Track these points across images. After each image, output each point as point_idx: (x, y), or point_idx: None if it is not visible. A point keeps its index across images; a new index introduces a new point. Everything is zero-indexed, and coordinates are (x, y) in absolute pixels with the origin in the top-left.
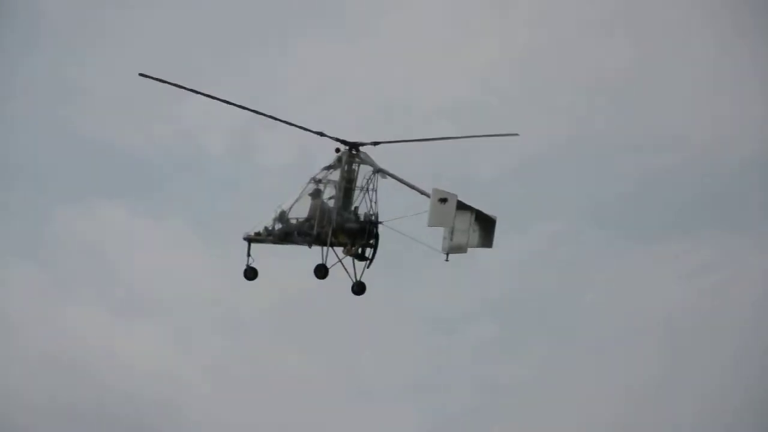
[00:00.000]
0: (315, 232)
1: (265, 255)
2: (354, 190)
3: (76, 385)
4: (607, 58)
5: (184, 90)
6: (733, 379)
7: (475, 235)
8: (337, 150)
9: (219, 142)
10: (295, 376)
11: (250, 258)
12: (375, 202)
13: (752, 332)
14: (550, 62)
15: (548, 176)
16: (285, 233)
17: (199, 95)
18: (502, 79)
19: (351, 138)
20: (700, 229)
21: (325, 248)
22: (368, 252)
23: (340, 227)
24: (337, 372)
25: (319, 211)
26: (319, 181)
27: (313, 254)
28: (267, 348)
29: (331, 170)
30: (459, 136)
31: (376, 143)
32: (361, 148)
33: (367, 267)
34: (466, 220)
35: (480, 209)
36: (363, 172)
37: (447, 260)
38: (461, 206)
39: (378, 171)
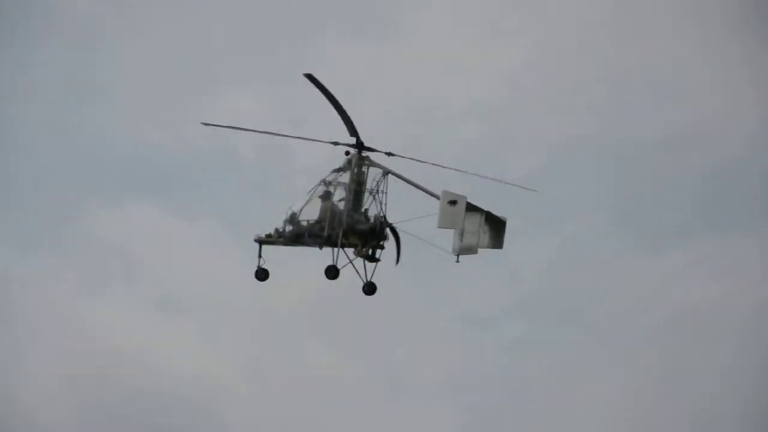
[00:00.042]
0: (325, 233)
1: (299, 256)
2: (364, 192)
3: (104, 383)
4: (631, 56)
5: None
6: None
7: (485, 236)
8: (347, 152)
9: (249, 141)
10: (319, 376)
11: (261, 259)
12: (384, 204)
13: None
14: (577, 62)
15: (576, 176)
16: (296, 235)
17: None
18: (529, 79)
19: (367, 143)
20: (733, 228)
21: (335, 249)
22: (378, 253)
23: (351, 229)
24: (360, 371)
25: (329, 212)
26: (329, 183)
27: (324, 255)
28: (292, 347)
29: (341, 173)
30: (468, 171)
31: (390, 154)
32: (371, 154)
33: (396, 264)
34: (476, 222)
35: (490, 210)
36: (372, 174)
37: (458, 261)
38: (471, 207)
39: (387, 173)
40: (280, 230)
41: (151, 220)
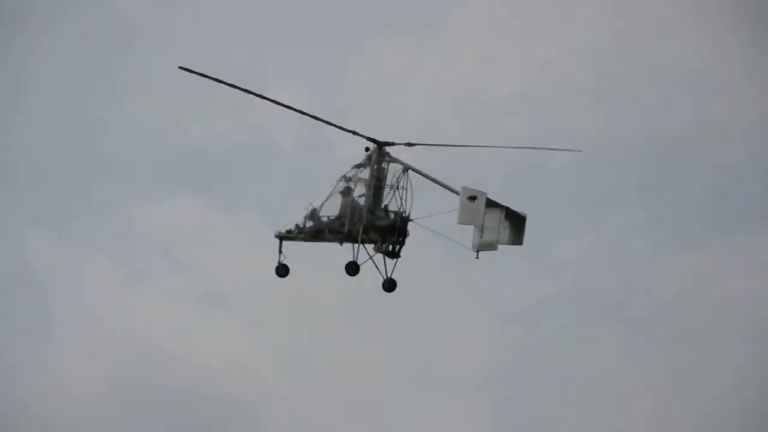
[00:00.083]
0: (346, 229)
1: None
2: (384, 188)
3: (148, 377)
4: (673, 51)
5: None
6: None
7: (505, 233)
8: (367, 149)
9: (289, 134)
10: (351, 371)
11: (281, 255)
12: (405, 200)
13: None
14: (615, 55)
15: (612, 170)
16: (316, 231)
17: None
18: (567, 73)
19: (387, 137)
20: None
21: (355, 245)
22: (398, 249)
23: (371, 225)
24: (388, 366)
25: (349, 208)
26: (350, 179)
27: (345, 251)
28: (328, 342)
29: (362, 168)
30: (505, 145)
31: (410, 144)
32: (390, 149)
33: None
34: (496, 218)
35: (509, 206)
36: (392, 170)
37: (477, 257)
38: (491, 204)
39: (407, 169)
40: (301, 226)
41: (189, 214)
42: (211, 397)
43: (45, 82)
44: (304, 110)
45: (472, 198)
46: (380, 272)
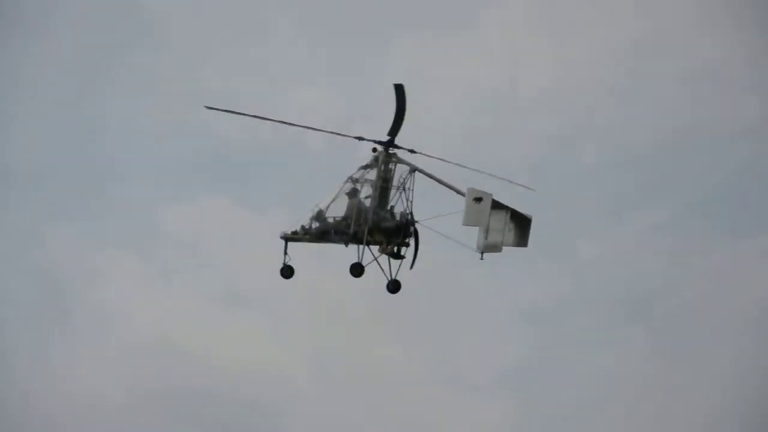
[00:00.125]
0: (352, 230)
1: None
2: (390, 189)
3: (171, 377)
4: (705, 48)
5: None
6: None
7: (510, 234)
8: (374, 150)
9: (317, 134)
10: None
11: (287, 256)
12: (411, 201)
13: None
14: (647, 53)
15: (642, 168)
16: (322, 232)
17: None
18: (600, 71)
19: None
20: None
21: (360, 247)
22: (404, 251)
23: (376, 226)
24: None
25: (355, 210)
26: (356, 180)
27: (351, 253)
28: (354, 342)
29: (368, 170)
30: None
31: (413, 151)
32: (397, 151)
33: (410, 268)
34: (501, 219)
35: (515, 208)
36: (399, 171)
37: (482, 259)
38: (496, 205)
39: (414, 170)
40: (307, 227)
41: (218, 213)
42: (231, 398)
43: (70, 79)
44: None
45: (478, 199)
46: (384, 273)
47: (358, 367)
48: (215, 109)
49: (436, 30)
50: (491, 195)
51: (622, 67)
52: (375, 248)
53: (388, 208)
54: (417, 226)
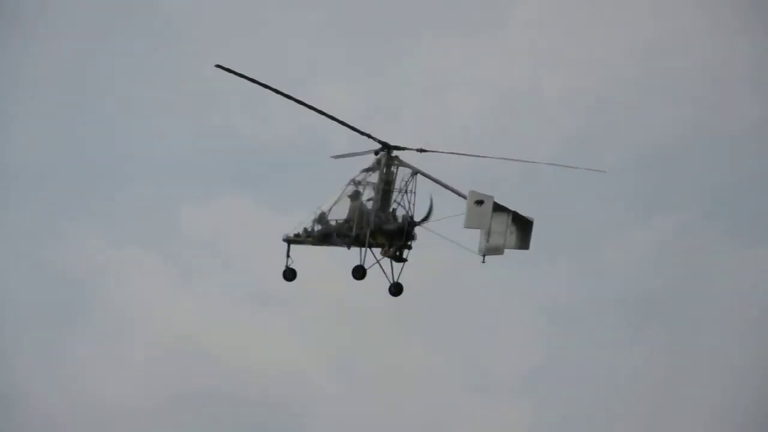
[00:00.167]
0: (354, 233)
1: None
2: (392, 192)
3: (196, 377)
4: (731, 48)
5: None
6: None
7: (512, 237)
8: (376, 152)
9: (342, 132)
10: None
11: (289, 259)
12: (413, 204)
13: None
14: (674, 52)
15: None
16: (324, 235)
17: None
18: (628, 70)
19: (404, 143)
20: None
21: (363, 249)
22: (405, 253)
23: (378, 229)
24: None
25: (357, 212)
26: (359, 183)
27: (353, 255)
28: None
29: (370, 172)
30: (520, 159)
31: (421, 150)
32: (400, 153)
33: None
34: (503, 222)
35: (516, 211)
36: (401, 174)
37: (483, 262)
38: (498, 208)
39: (416, 173)
40: (309, 230)
41: (243, 213)
42: (254, 398)
43: (97, 80)
44: (326, 112)
45: (480, 202)
46: (387, 276)
47: (369, 368)
48: (227, 69)
49: (462, 30)
50: (492, 198)
51: (642, 66)
52: (377, 251)
53: (390, 210)
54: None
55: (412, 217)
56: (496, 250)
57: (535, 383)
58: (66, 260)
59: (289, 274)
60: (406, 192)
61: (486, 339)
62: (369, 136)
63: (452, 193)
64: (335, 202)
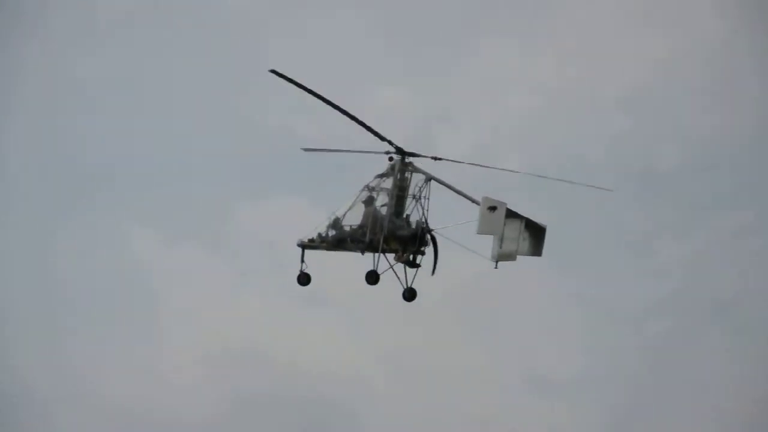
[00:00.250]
0: (367, 239)
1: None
2: (406, 197)
3: (251, 376)
4: None
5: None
6: None
7: (525, 243)
8: (390, 158)
9: (399, 135)
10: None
11: (303, 264)
12: (427, 210)
13: None
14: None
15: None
16: (338, 240)
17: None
18: (676, 72)
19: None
20: None
21: (376, 255)
22: (419, 259)
23: (392, 234)
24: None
25: (371, 218)
26: (373, 188)
27: (366, 261)
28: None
29: (384, 178)
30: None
31: (436, 158)
32: (414, 159)
33: (432, 274)
34: (515, 228)
35: (529, 217)
36: (415, 180)
37: (496, 268)
38: (511, 214)
39: (430, 179)
40: (323, 235)
41: (296, 215)
42: (309, 399)
43: (146, 80)
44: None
45: (492, 208)
46: (400, 281)
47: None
48: (281, 75)
49: (512, 32)
50: (506, 204)
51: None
52: (391, 256)
53: (404, 216)
54: (434, 233)
55: (426, 223)
56: (509, 257)
57: (582, 383)
58: (118, 261)
59: (304, 279)
60: (420, 198)
61: (525, 338)
62: (390, 142)
63: (466, 199)
64: (349, 208)
